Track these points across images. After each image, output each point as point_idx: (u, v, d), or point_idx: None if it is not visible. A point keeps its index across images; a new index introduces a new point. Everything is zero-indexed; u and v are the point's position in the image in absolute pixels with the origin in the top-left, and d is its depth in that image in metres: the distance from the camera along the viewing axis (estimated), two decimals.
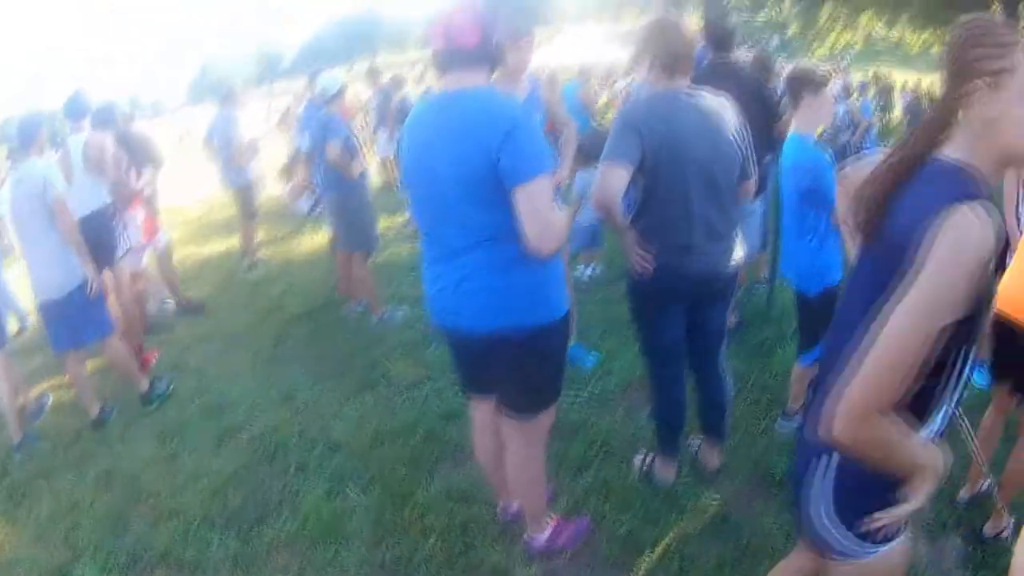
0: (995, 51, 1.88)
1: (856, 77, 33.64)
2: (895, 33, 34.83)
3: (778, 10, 33.67)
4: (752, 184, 4.23)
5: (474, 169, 3.16)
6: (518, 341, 3.47)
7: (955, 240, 1.77)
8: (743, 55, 7.91)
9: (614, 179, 3.67)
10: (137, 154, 8.32)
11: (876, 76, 33.82)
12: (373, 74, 16.86)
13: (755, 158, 4.20)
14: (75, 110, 7.42)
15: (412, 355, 6.93)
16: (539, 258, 3.19)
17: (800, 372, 4.98)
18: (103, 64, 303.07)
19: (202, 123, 12.88)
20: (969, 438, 3.59)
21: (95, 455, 5.95)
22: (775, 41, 48.46)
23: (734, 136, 3.96)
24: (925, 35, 33.48)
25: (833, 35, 33.55)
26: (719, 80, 5.10)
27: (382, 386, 6.43)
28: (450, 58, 3.31)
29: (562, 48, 35.34)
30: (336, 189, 7.83)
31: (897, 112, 29.82)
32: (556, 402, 3.82)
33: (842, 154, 13.80)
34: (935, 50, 33.39)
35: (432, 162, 3.30)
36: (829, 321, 2.45)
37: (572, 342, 5.36)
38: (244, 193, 10.84)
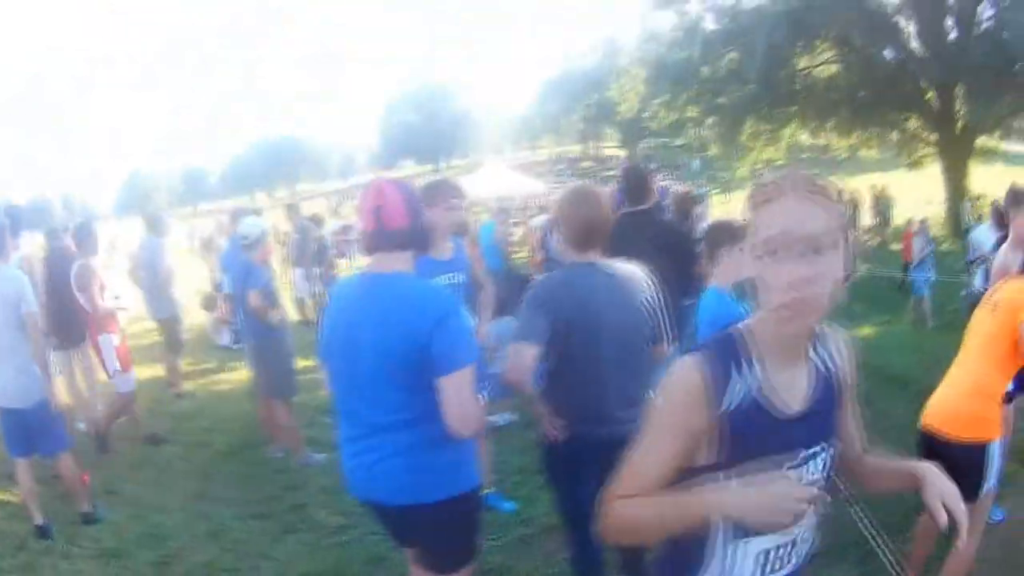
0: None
1: None
2: (821, 140, 34.77)
3: (697, 132, 32.31)
4: (666, 346, 4.30)
5: (399, 353, 3.34)
6: (433, 513, 3.59)
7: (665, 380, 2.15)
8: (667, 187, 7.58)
9: (524, 359, 3.80)
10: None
11: None
12: (292, 210, 17.48)
13: (669, 320, 4.28)
14: (13, 226, 7.14)
15: (333, 500, 6.84)
16: (459, 439, 3.43)
17: None
18: (103, 64, 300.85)
19: (127, 237, 14.23)
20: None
21: (41, 568, 6.05)
22: (696, 164, 48.15)
23: (646, 303, 4.11)
24: (851, 139, 33.29)
25: (754, 152, 32.78)
26: (635, 230, 5.63)
27: (305, 530, 6.51)
28: (378, 240, 3.52)
29: (480, 181, 33.96)
30: (256, 335, 7.95)
31: None
32: (472, 562, 3.93)
33: None
34: (863, 152, 34.68)
35: (355, 342, 3.46)
36: None
37: (490, 489, 5.90)
38: (170, 324, 10.85)
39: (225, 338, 12.92)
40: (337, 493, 6.73)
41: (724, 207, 35.69)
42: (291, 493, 7.32)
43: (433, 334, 3.26)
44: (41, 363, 6.21)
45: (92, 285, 8.15)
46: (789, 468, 2.05)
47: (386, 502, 3.69)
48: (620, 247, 4.50)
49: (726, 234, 4.76)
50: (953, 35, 27.09)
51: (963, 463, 4.13)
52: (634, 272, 4.17)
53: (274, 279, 8.30)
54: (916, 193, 36.01)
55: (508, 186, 35.05)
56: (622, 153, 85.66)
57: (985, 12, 26.66)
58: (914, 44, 28.53)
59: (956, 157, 28.46)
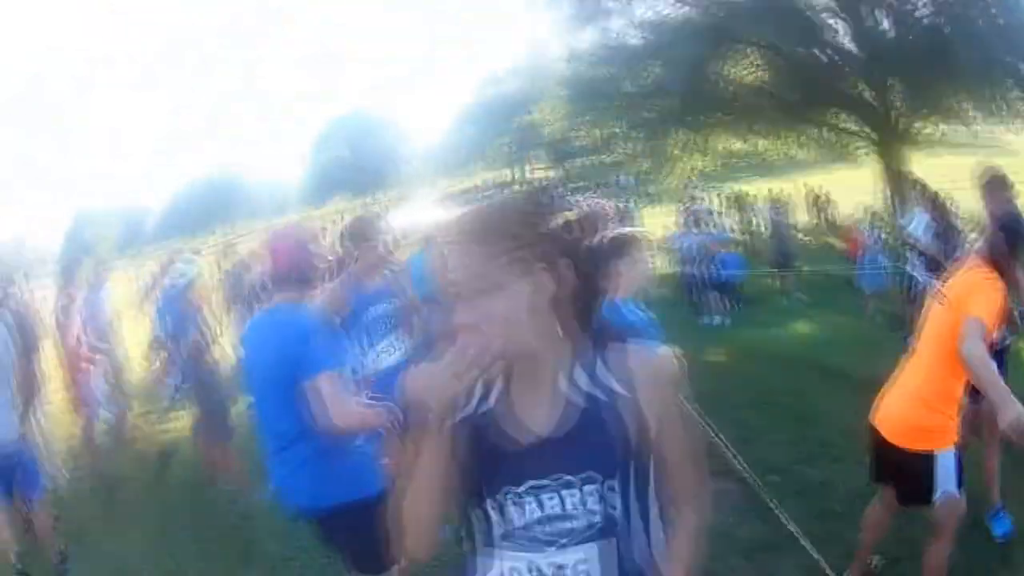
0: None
1: (713, 200, 32.69)
2: (752, 146, 34.14)
3: (626, 147, 31.87)
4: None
5: (275, 374, 3.94)
6: (343, 518, 4.07)
7: None
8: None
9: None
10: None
11: (736, 197, 33.96)
12: (228, 249, 18.14)
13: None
14: None
15: (285, 531, 6.77)
16: (337, 435, 3.95)
17: None
18: (103, 64, 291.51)
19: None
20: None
21: None
22: (622, 180, 47.76)
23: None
24: (783, 141, 32.95)
25: (682, 163, 32.34)
26: None
27: (261, 560, 6.75)
28: (274, 279, 4.30)
29: (410, 212, 33.95)
30: (194, 380, 8.22)
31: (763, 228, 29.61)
32: (394, 565, 4.23)
33: (697, 287, 16.58)
34: (795, 153, 34.26)
35: (250, 370, 4.27)
36: None
37: None
38: (117, 374, 10.92)
39: (170, 386, 12.52)
40: (287, 523, 6.63)
41: (652, 220, 35.45)
42: (244, 526, 7.49)
43: (297, 349, 3.83)
44: (17, 411, 6.40)
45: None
46: (510, 495, 2.06)
47: (304, 511, 4.29)
48: None
49: (616, 247, 4.62)
50: (887, 28, 26.82)
51: (911, 470, 4.48)
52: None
53: (210, 322, 8.70)
54: (859, 190, 36.04)
55: (436, 216, 33.92)
56: (552, 174, 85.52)
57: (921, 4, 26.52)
58: (844, 42, 28.07)
59: (894, 148, 28.21)
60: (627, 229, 5.21)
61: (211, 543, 7.25)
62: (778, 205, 25.03)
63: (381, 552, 3.92)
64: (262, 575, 6.61)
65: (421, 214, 32.81)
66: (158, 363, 11.31)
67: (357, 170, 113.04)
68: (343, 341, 5.24)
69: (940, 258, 10.17)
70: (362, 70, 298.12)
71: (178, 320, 8.21)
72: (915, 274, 11.58)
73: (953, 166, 43.67)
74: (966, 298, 4.35)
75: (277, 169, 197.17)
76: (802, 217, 31.65)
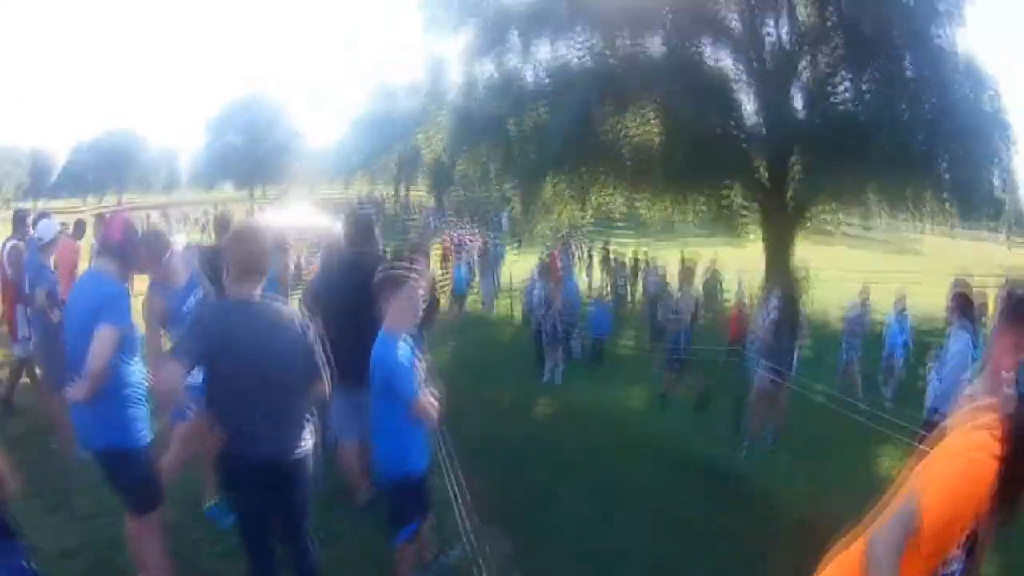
0: None
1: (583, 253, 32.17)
2: (628, 204, 33.33)
3: (501, 186, 30.99)
4: (325, 383, 4.79)
5: (83, 324, 4.78)
6: (117, 459, 4.98)
7: None
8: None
9: (169, 372, 4.29)
10: None
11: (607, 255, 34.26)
12: (100, 221, 15.91)
13: (325, 358, 4.79)
14: None
15: (94, 490, 6.95)
16: (95, 380, 4.62)
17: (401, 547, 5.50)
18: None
19: None
20: None
21: None
22: (504, 218, 46.97)
23: (296, 340, 4.59)
24: (664, 204, 31.99)
25: (556, 211, 31.29)
26: (356, 270, 6.61)
27: (65, 510, 7.25)
28: (103, 245, 5.26)
29: (284, 214, 33.39)
30: (42, 331, 8.47)
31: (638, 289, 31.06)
32: (159, 506, 5.24)
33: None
34: (676, 219, 33.57)
35: (68, 320, 5.17)
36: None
37: (214, 501, 6.61)
38: None
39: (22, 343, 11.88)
40: (99, 485, 6.66)
41: (522, 264, 34.76)
42: (61, 477, 7.74)
43: (100, 304, 4.81)
44: None
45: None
46: None
47: (87, 447, 5.17)
48: (333, 282, 6.37)
49: (384, 281, 5.34)
50: (799, 108, 26.10)
51: None
52: (287, 311, 4.74)
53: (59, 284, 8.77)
54: (736, 266, 35.70)
55: (307, 221, 35.39)
56: (429, 201, 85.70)
57: (840, 84, 25.78)
58: (748, 113, 27.26)
59: (782, 232, 27.30)
60: (403, 266, 5.58)
61: (29, 488, 6.63)
62: (657, 269, 24.31)
63: (146, 496, 5.04)
64: (65, 523, 6.99)
65: (292, 217, 32.21)
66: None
67: (248, 160, 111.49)
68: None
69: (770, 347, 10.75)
70: (267, 58, 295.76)
71: (32, 274, 8.68)
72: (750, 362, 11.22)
73: (849, 258, 44.61)
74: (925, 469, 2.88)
75: (175, 143, 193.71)
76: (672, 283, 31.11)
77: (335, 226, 35.41)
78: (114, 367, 4.87)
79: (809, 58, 26.31)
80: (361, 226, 7.04)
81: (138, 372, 5.18)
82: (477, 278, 26.46)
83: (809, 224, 28.70)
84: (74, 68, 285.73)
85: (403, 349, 5.24)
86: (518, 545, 6.62)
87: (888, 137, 21.25)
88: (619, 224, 47.36)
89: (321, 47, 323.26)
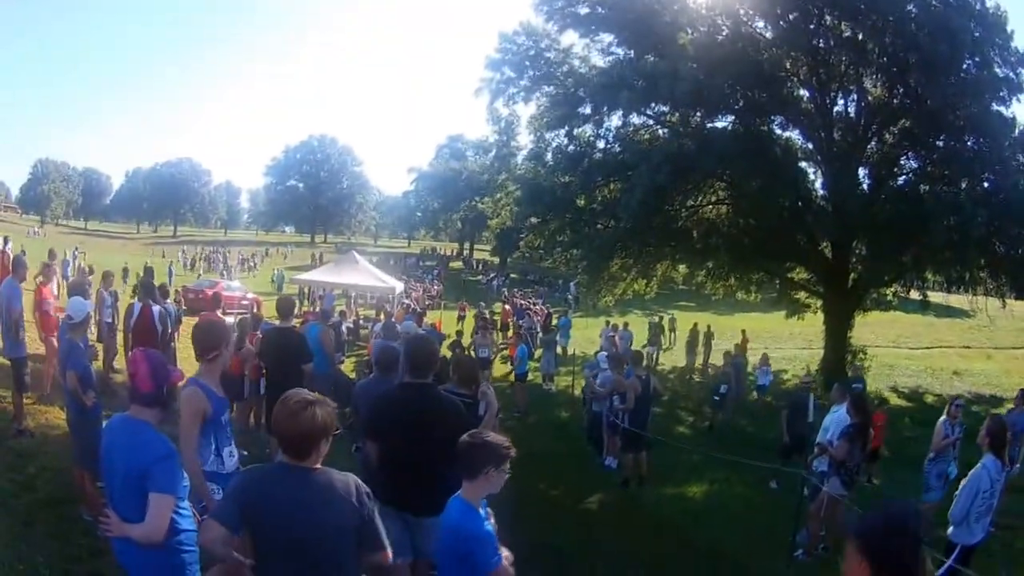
0: None
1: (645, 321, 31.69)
2: (697, 279, 33.35)
3: (568, 255, 30.37)
4: (388, 554, 4.28)
5: (131, 483, 4.42)
6: None
7: None
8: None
9: (212, 532, 3.98)
10: None
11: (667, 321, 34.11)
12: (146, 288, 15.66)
13: (381, 528, 4.24)
14: None
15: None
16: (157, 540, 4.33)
17: None
18: None
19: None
20: None
21: None
22: (573, 289, 46.26)
23: (348, 512, 4.08)
24: (729, 281, 31.93)
25: (623, 283, 31.31)
26: (415, 401, 6.10)
27: None
28: (133, 394, 4.68)
29: (342, 269, 35.09)
30: (73, 409, 8.07)
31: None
32: None
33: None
34: (742, 295, 33.29)
35: (109, 469, 4.63)
36: None
37: None
38: (17, 365, 10.78)
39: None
40: None
41: (582, 332, 34.01)
42: (93, 559, 7.17)
43: (151, 471, 4.38)
44: None
45: None
46: None
47: None
48: (390, 418, 6.02)
49: (488, 452, 4.68)
50: (865, 186, 25.49)
51: None
52: (342, 481, 4.16)
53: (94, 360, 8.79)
54: (792, 334, 34.58)
55: (368, 278, 34.78)
56: (494, 260, 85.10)
57: (907, 164, 25.79)
58: (817, 193, 26.84)
59: (842, 309, 26.88)
60: (503, 442, 4.83)
61: (60, 566, 7.01)
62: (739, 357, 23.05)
63: None
64: None
65: (351, 273, 31.59)
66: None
67: (309, 206, 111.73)
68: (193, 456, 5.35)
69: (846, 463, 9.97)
70: (336, 105, 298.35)
71: (64, 353, 8.13)
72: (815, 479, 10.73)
73: (901, 323, 43.79)
74: None
75: (235, 178, 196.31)
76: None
77: (396, 287, 35.46)
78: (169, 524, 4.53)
79: (876, 136, 26.05)
80: (423, 354, 6.44)
81: (188, 519, 4.76)
82: (539, 350, 25.62)
83: (869, 301, 28.46)
84: (137, 92, 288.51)
85: (482, 516, 4.77)
86: None
87: (949, 219, 20.84)
88: (680, 294, 46.71)
89: (393, 96, 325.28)
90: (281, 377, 9.85)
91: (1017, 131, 22.83)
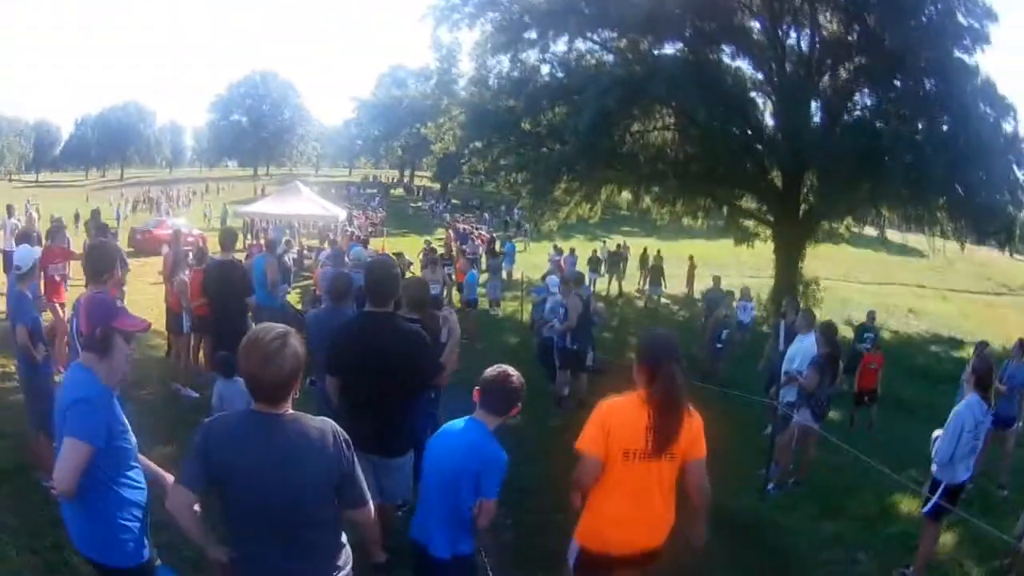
0: None
1: (592, 248, 31.58)
2: (642, 204, 32.64)
3: (512, 179, 30.05)
4: (370, 509, 3.84)
5: (59, 422, 3.86)
6: (109, 574, 4.02)
7: None
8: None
9: (178, 497, 3.51)
10: None
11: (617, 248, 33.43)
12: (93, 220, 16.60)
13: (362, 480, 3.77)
14: None
15: None
16: (65, 491, 3.72)
17: None
18: None
19: None
20: None
21: None
22: (517, 213, 45.79)
23: (327, 465, 3.54)
24: (675, 207, 31.48)
25: (567, 208, 30.73)
26: (381, 334, 5.56)
27: (64, 573, 5.85)
28: (81, 337, 4.25)
29: (286, 200, 33.49)
30: (24, 367, 7.48)
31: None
32: None
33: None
34: (688, 221, 32.88)
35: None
36: None
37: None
38: None
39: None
40: None
41: (526, 257, 33.67)
42: (55, 529, 6.11)
43: (68, 413, 3.76)
44: None
45: None
46: None
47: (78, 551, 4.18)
48: (353, 351, 5.48)
49: (521, 394, 4.62)
50: (817, 118, 25.11)
51: None
52: (318, 429, 3.57)
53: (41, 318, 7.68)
54: (739, 261, 34.41)
55: (311, 207, 33.74)
56: (435, 187, 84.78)
57: (862, 100, 25.26)
58: (768, 123, 26.38)
59: (793, 240, 26.58)
60: (517, 379, 4.64)
61: (24, 540, 6.40)
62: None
63: None
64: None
65: (295, 203, 30.99)
66: None
67: (251, 140, 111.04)
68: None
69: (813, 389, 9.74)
70: (277, 38, 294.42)
71: (14, 304, 7.37)
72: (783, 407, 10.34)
73: (853, 262, 43.80)
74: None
75: (179, 117, 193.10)
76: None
77: (339, 215, 34.79)
78: (102, 485, 3.95)
79: (831, 71, 25.48)
80: (384, 280, 5.86)
81: (134, 489, 4.13)
82: (484, 275, 25.15)
83: (820, 234, 28.13)
84: (82, 40, 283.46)
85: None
86: None
87: (907, 157, 20.55)
88: (625, 220, 46.41)
89: (332, 28, 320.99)
90: (223, 311, 9.63)
91: (979, 80, 22.43)
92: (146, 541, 4.14)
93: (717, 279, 21.19)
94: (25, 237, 10.61)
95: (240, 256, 13.40)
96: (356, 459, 3.69)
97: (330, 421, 3.67)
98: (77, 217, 36.79)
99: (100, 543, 4.01)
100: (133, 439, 4.16)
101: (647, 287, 29.11)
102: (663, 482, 4.51)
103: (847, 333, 18.58)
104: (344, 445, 3.61)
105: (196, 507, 3.52)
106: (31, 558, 6.06)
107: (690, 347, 17.19)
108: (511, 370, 4.58)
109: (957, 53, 22.26)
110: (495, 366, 4.61)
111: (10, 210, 18.50)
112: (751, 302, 19.24)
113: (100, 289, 5.23)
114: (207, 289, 10.22)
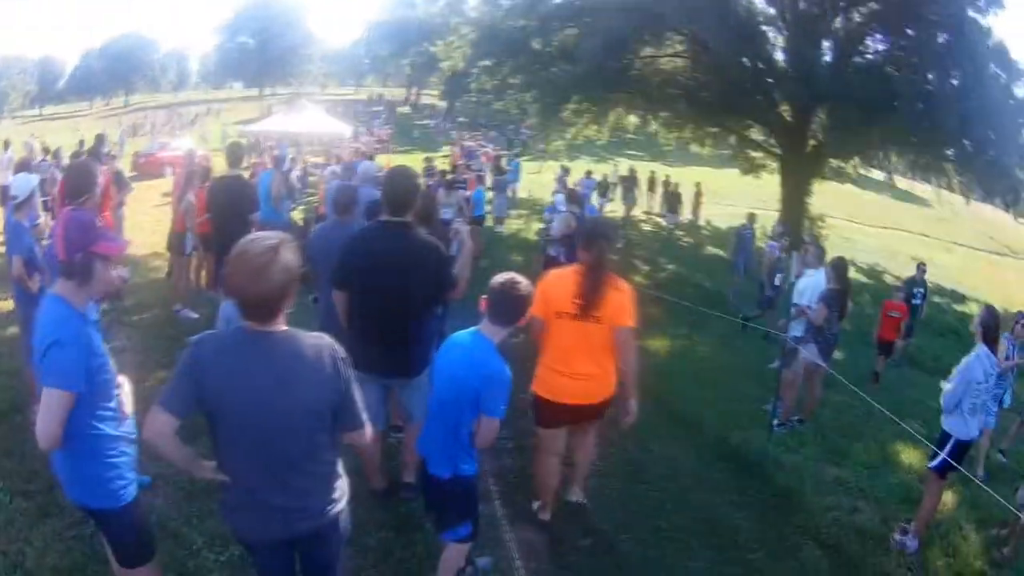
0: None
1: (602, 170, 31.58)
2: (650, 128, 32.75)
3: (518, 99, 29.81)
4: (367, 431, 3.58)
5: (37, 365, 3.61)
6: (95, 516, 3.98)
7: None
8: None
9: (158, 424, 3.20)
10: None
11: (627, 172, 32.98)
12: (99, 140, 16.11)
13: (359, 401, 3.50)
14: None
15: None
16: (47, 446, 3.53)
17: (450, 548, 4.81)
18: None
19: None
20: None
21: None
22: (524, 133, 45.22)
23: (323, 387, 3.30)
24: (683, 133, 31.24)
25: (575, 128, 30.24)
26: (397, 248, 5.30)
27: (57, 515, 5.60)
28: (60, 262, 3.72)
29: (291, 118, 34.28)
30: (20, 301, 7.19)
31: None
32: (151, 560, 4.10)
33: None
34: (694, 147, 32.90)
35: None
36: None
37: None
38: None
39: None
40: None
41: (535, 176, 33.34)
42: (47, 470, 5.43)
43: (45, 355, 3.48)
44: None
45: None
46: None
47: (69, 498, 4.03)
48: (368, 262, 5.24)
49: (528, 304, 4.49)
50: (828, 56, 24.67)
51: None
52: (314, 347, 3.31)
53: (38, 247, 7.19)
54: (744, 192, 33.95)
55: (317, 125, 33.89)
56: (442, 104, 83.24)
57: (874, 45, 24.87)
58: (779, 58, 25.80)
59: (800, 174, 26.26)
60: (526, 284, 4.54)
61: (19, 484, 6.15)
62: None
63: (131, 553, 4.03)
64: (56, 534, 5.49)
65: (301, 120, 30.80)
66: None
67: (257, 61, 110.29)
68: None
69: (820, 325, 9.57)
70: None
71: (11, 235, 7.10)
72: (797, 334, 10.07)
73: (860, 205, 43.27)
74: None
75: (185, 45, 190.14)
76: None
77: (345, 132, 34.41)
78: (85, 427, 3.71)
79: (843, 13, 24.94)
80: (403, 189, 5.55)
81: (113, 426, 3.88)
82: (490, 192, 24.79)
83: (827, 171, 27.80)
84: None
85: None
86: (548, 545, 5.91)
87: (919, 105, 20.27)
88: (631, 143, 45.88)
89: None
90: (226, 228, 9.12)
91: (991, 42, 22.07)
92: (133, 476, 4.00)
93: (752, 216, 20.37)
94: (24, 166, 10.38)
95: (245, 173, 13.25)
96: (353, 378, 3.46)
97: (327, 338, 3.43)
98: (81, 144, 36.14)
99: (89, 489, 3.87)
100: (112, 367, 3.91)
101: (664, 212, 28.62)
102: (591, 342, 5.31)
103: (852, 274, 18.34)
104: (342, 363, 3.39)
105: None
106: (24, 503, 5.83)
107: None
108: (518, 277, 4.46)
109: (971, 13, 21.74)
110: (502, 274, 4.50)
111: (6, 144, 18.81)
112: (783, 241, 17.92)
113: (78, 210, 4.87)
114: (210, 206, 9.94)
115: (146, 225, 16.52)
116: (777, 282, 15.43)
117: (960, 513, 7.76)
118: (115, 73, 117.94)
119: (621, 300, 5.36)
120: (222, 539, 5.30)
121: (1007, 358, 9.62)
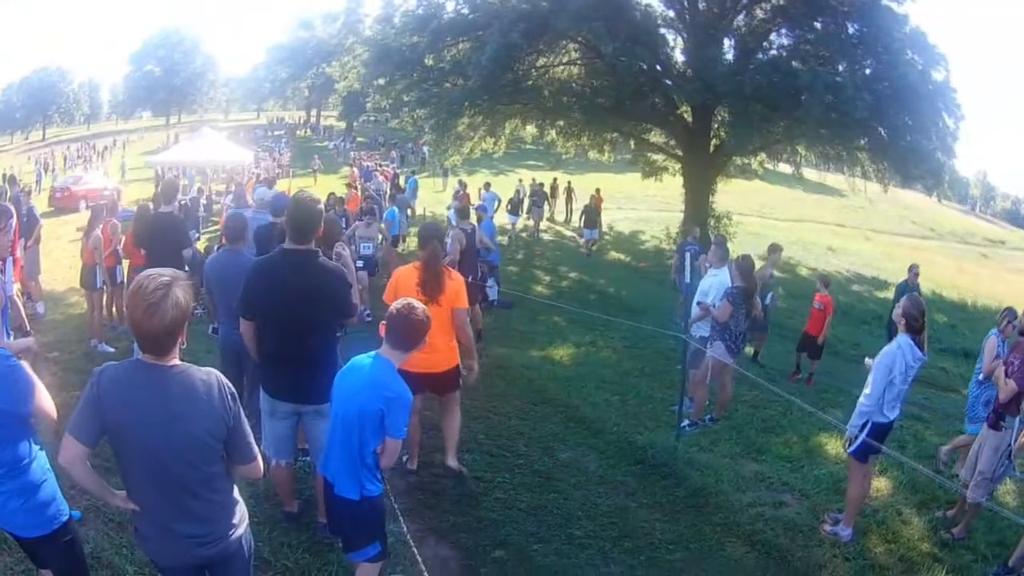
0: None
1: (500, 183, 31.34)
2: (547, 137, 32.20)
3: (415, 115, 29.59)
4: (258, 465, 3.59)
5: None
6: (44, 546, 3.87)
7: None
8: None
9: (69, 451, 3.23)
10: None
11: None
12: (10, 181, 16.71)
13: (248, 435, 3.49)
14: None
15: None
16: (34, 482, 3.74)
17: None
18: None
19: None
20: None
21: None
22: (425, 151, 45.02)
23: (212, 420, 3.28)
24: (580, 141, 31.04)
25: (471, 143, 30.06)
26: (301, 275, 5.13)
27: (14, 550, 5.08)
28: None
29: (196, 146, 33.34)
30: None
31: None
32: None
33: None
34: (593, 154, 32.68)
35: None
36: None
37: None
38: None
39: None
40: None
41: (439, 195, 33.16)
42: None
43: None
44: None
45: None
46: None
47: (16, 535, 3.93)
48: (273, 291, 5.07)
49: (422, 325, 4.46)
50: (730, 56, 24.51)
51: None
52: (204, 382, 3.30)
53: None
54: (647, 195, 33.92)
55: (220, 152, 33.22)
56: (341, 125, 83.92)
57: (779, 40, 24.78)
58: (678, 59, 25.72)
59: (704, 174, 26.16)
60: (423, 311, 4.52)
61: None
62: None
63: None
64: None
65: (204, 150, 30.55)
66: None
67: (164, 89, 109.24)
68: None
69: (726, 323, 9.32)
70: None
71: None
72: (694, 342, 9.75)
73: (768, 194, 43.50)
74: None
75: (97, 74, 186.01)
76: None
77: (246, 159, 33.94)
78: (25, 459, 3.82)
79: (746, 11, 24.89)
80: (305, 216, 5.34)
81: (35, 457, 3.92)
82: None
83: (731, 170, 27.87)
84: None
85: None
86: (460, 560, 5.84)
87: (827, 96, 19.84)
88: (530, 154, 45.83)
89: None
90: (162, 264, 8.63)
91: (908, 28, 21.92)
92: (56, 503, 3.96)
93: (692, 228, 19.52)
94: None
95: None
96: (241, 412, 3.46)
97: (215, 372, 3.41)
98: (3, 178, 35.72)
99: (32, 521, 3.85)
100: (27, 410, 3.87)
101: (581, 229, 28.22)
102: (437, 321, 5.56)
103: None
104: (230, 398, 3.38)
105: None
106: None
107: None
108: (416, 303, 4.46)
109: (884, 1, 21.77)
110: (400, 300, 4.50)
111: None
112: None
113: None
114: (142, 241, 9.73)
115: (63, 260, 16.10)
116: (768, 302, 13.57)
117: (898, 498, 7.65)
118: (34, 106, 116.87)
119: (455, 287, 6.52)
120: (151, 567, 4.96)
121: (997, 356, 8.59)
